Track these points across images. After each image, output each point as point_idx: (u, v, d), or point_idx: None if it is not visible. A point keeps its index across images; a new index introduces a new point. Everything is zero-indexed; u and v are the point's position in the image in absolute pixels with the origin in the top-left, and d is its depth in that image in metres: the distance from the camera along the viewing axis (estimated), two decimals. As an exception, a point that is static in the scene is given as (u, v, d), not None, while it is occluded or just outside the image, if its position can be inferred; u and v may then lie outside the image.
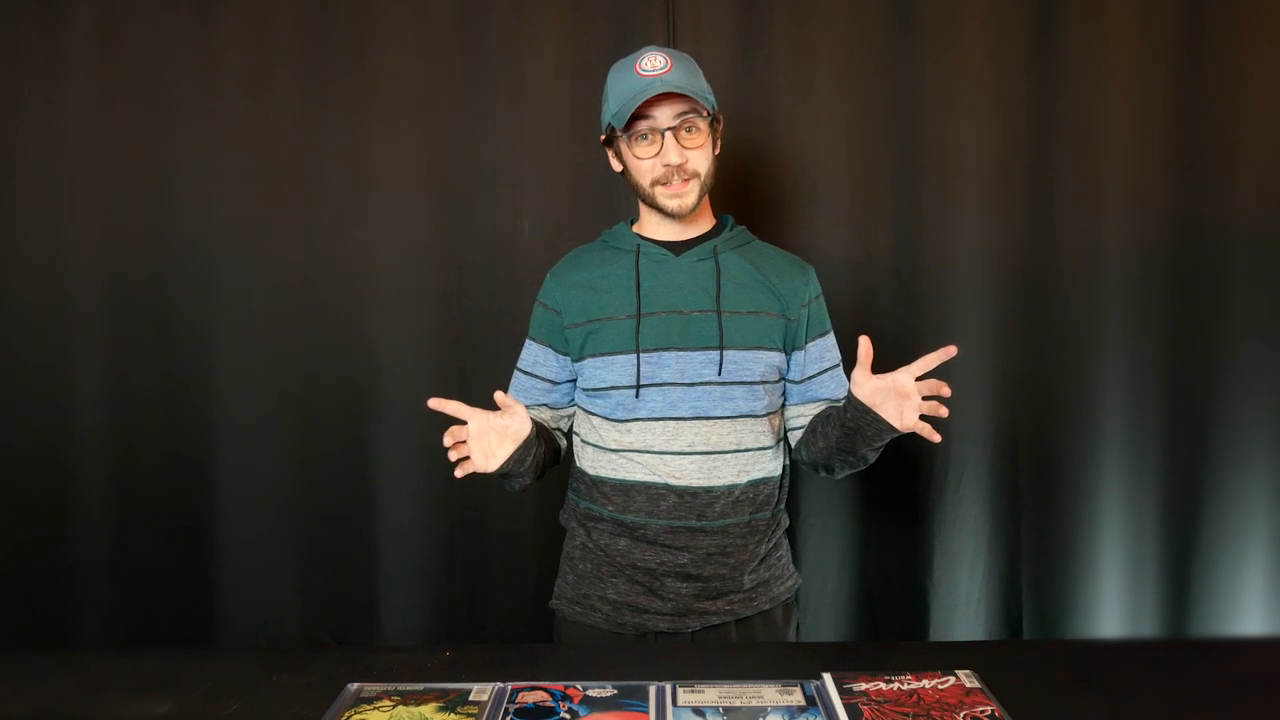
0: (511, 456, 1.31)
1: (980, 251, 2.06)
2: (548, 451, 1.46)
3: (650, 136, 1.38)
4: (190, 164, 2.05)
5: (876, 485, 2.07)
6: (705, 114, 1.39)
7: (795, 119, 2.04)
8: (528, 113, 2.04)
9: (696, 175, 1.40)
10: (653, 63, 1.37)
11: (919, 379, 1.24)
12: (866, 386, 1.26)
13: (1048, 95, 2.04)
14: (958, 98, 2.03)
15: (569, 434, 1.56)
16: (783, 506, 1.51)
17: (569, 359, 1.47)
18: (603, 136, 1.46)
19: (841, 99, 2.04)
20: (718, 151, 1.46)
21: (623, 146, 1.41)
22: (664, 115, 1.37)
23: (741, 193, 2.01)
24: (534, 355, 1.51)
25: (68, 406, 2.07)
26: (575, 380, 1.50)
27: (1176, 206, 2.05)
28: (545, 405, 1.52)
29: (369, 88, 2.03)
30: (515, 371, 1.53)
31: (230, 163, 2.04)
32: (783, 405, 1.50)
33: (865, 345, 1.24)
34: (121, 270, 2.06)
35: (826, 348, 1.49)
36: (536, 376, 1.51)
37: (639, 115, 1.37)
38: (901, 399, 1.24)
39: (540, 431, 1.43)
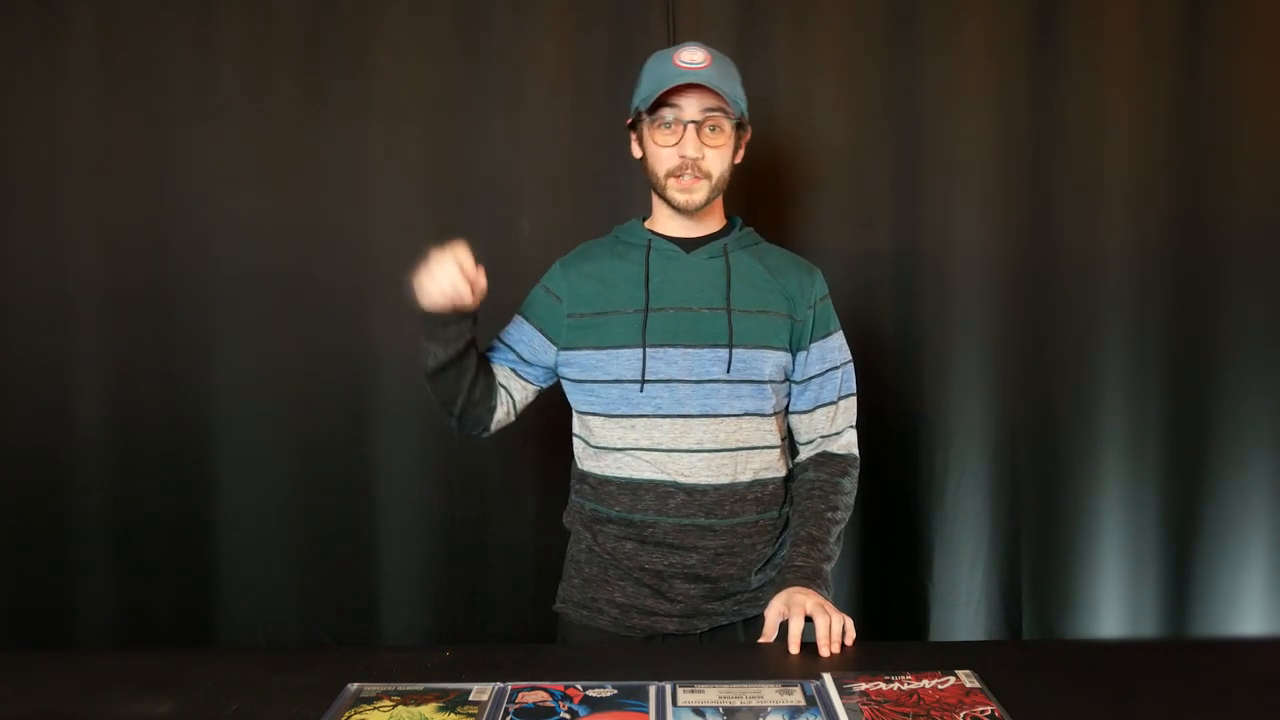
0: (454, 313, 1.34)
1: (980, 251, 2.06)
2: (478, 373, 1.45)
3: (673, 126, 1.38)
4: (190, 164, 2.04)
5: (876, 485, 2.07)
6: (732, 116, 1.39)
7: (795, 119, 2.04)
8: (528, 113, 2.04)
9: (709, 176, 1.40)
10: (692, 56, 1.38)
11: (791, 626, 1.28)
12: (773, 609, 1.32)
13: (1048, 95, 2.04)
14: (958, 97, 2.03)
15: (518, 415, 1.55)
16: (788, 507, 1.51)
17: (555, 349, 1.47)
18: (629, 120, 1.47)
19: (841, 99, 2.04)
20: (739, 159, 1.46)
21: (645, 132, 1.42)
22: (691, 108, 1.37)
23: (742, 192, 2.00)
24: (521, 332, 1.50)
25: (68, 406, 2.07)
26: (545, 369, 1.49)
27: (1176, 206, 2.05)
28: (507, 367, 1.51)
29: (369, 88, 2.03)
30: (495, 340, 1.53)
31: (230, 163, 2.04)
32: (786, 406, 1.51)
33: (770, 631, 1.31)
34: (121, 270, 2.06)
35: (830, 349, 1.49)
36: (511, 349, 1.50)
37: (666, 104, 1.37)
38: (788, 609, 1.30)
39: (481, 360, 1.45)
